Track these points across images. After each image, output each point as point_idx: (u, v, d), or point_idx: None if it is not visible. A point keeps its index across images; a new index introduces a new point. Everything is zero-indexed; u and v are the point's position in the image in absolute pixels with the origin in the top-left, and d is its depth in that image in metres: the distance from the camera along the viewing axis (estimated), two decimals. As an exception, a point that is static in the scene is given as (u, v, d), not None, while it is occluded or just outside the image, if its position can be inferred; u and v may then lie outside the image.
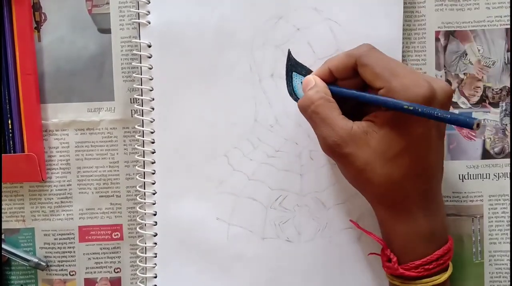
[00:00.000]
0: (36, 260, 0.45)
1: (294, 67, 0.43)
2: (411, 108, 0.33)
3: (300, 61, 0.43)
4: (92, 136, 0.46)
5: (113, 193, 0.46)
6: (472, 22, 0.44)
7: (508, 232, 0.45)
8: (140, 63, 0.44)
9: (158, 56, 0.44)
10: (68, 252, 0.46)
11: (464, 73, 0.45)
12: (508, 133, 0.45)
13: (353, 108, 0.39)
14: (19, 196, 0.46)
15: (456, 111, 0.45)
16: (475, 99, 0.45)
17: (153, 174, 0.44)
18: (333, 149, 0.37)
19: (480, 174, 0.45)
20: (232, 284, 0.45)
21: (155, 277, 0.45)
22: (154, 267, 0.45)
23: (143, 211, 0.44)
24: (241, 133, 0.44)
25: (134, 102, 0.45)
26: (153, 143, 0.44)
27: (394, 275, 0.38)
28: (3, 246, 0.46)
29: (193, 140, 0.44)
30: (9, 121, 0.44)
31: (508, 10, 0.44)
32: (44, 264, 0.46)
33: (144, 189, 0.44)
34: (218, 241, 0.44)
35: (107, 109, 0.46)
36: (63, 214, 0.46)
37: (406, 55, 0.44)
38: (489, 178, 0.45)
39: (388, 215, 0.37)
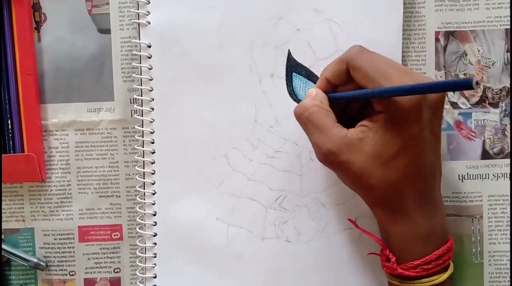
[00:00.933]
0: (36, 260, 0.45)
1: (294, 68, 0.43)
2: (408, 88, 0.32)
3: (300, 62, 0.43)
4: (92, 136, 0.46)
5: (112, 193, 0.46)
6: (472, 23, 0.44)
7: (508, 232, 0.45)
8: (140, 63, 0.44)
9: (158, 56, 0.44)
10: (68, 252, 0.46)
11: (464, 74, 0.45)
12: (507, 133, 0.45)
13: (353, 118, 0.39)
14: (19, 196, 0.46)
15: (456, 112, 0.45)
16: (475, 99, 0.45)
17: (153, 174, 0.44)
18: (328, 157, 0.36)
19: (480, 174, 0.45)
20: (231, 284, 0.45)
21: (155, 277, 0.45)
22: (153, 267, 0.45)
23: (143, 211, 0.44)
24: (241, 133, 0.44)
25: (134, 103, 0.45)
26: (152, 143, 0.44)
27: (393, 275, 0.38)
28: (3, 246, 0.46)
29: (193, 140, 0.44)
30: (9, 122, 0.44)
31: (508, 10, 0.44)
32: (43, 264, 0.46)
33: (144, 189, 0.44)
34: (217, 241, 0.44)
35: (107, 109, 0.46)
36: (63, 214, 0.46)
37: (406, 55, 0.44)
38: (488, 178, 0.45)
39: (386, 216, 0.37)
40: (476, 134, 0.45)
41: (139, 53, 0.44)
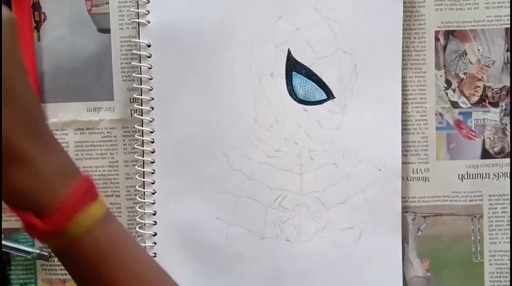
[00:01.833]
0: (38, 251, 0.45)
1: (293, 67, 0.43)
2: None
3: (300, 61, 0.43)
4: (91, 136, 0.46)
5: (112, 192, 0.46)
6: (471, 22, 0.44)
7: (508, 231, 0.45)
8: (140, 62, 0.44)
9: (157, 55, 0.44)
10: (68, 251, 0.46)
11: (464, 73, 0.44)
12: (508, 133, 0.44)
13: None
14: (18, 196, 0.46)
15: (456, 111, 0.45)
16: (475, 99, 0.45)
17: (153, 173, 0.44)
18: None
19: (480, 174, 0.45)
20: (231, 284, 0.45)
21: (155, 276, 0.45)
22: (153, 266, 0.45)
23: (143, 210, 0.44)
24: (241, 133, 0.44)
25: (133, 102, 0.45)
26: (152, 142, 0.44)
27: (49, 235, 0.29)
28: (3, 242, 0.45)
29: (193, 140, 0.44)
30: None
31: (508, 9, 0.44)
32: (46, 254, 0.45)
33: (144, 188, 0.44)
34: (217, 240, 0.44)
35: (107, 109, 0.46)
36: (63, 214, 0.46)
37: (406, 54, 0.44)
38: (488, 178, 0.45)
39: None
40: (476, 134, 0.45)
41: (138, 52, 0.44)
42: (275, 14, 0.43)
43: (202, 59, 0.44)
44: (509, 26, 0.44)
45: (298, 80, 0.43)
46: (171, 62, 0.44)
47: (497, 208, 0.45)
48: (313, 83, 0.43)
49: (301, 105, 0.44)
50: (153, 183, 0.44)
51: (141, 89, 0.44)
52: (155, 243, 0.44)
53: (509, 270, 0.45)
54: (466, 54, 0.44)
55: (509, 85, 0.44)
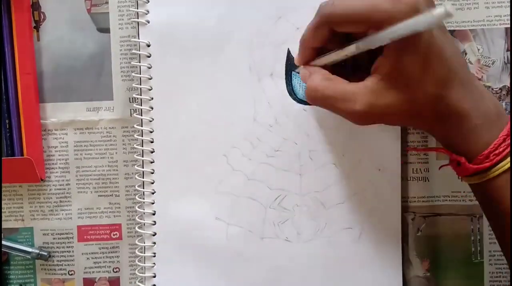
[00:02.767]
0: (37, 251, 0.45)
1: (293, 67, 0.43)
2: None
3: (299, 61, 0.43)
4: (91, 135, 0.46)
5: (112, 192, 0.46)
6: (471, 22, 0.44)
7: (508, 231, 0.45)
8: (139, 62, 0.44)
9: (157, 55, 0.43)
10: (67, 251, 0.46)
11: (463, 73, 0.44)
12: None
13: (354, 68, 0.38)
14: (18, 196, 0.46)
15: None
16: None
17: (152, 173, 0.44)
18: (365, 116, 0.35)
19: (480, 174, 0.45)
20: (231, 284, 0.45)
21: (154, 276, 0.45)
22: (153, 266, 0.45)
23: (142, 210, 0.44)
24: (240, 133, 0.44)
25: (133, 102, 0.45)
26: (152, 142, 0.44)
27: (470, 175, 0.37)
28: (3, 242, 0.45)
29: (192, 139, 0.44)
30: (7, 121, 0.44)
31: (508, 9, 0.43)
32: (46, 254, 0.45)
33: (143, 188, 0.44)
34: (217, 240, 0.44)
35: (106, 108, 0.46)
36: (62, 214, 0.46)
37: (406, 54, 0.44)
38: (488, 178, 0.45)
39: (439, 126, 0.36)
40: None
41: (138, 52, 0.44)
42: (275, 14, 0.43)
43: (201, 59, 0.44)
44: (509, 25, 0.44)
45: (298, 80, 0.43)
46: (170, 62, 0.44)
47: (497, 208, 0.45)
48: (312, 83, 0.43)
49: (300, 105, 0.44)
50: (152, 183, 0.44)
51: (140, 89, 0.44)
52: (154, 243, 0.44)
53: (509, 270, 0.45)
54: (466, 54, 0.44)
55: (509, 85, 0.44)
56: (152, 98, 0.44)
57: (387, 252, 0.44)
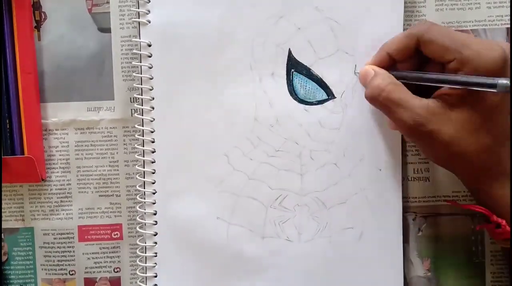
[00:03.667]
0: None
1: (294, 67, 0.43)
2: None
3: (300, 61, 0.43)
4: (92, 135, 0.46)
5: (112, 192, 0.46)
6: (473, 22, 0.44)
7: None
8: (140, 62, 0.44)
9: (158, 55, 0.43)
10: (68, 251, 0.46)
11: (464, 73, 0.44)
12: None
13: (414, 88, 0.39)
14: (18, 195, 0.46)
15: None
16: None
17: (153, 173, 0.44)
18: (416, 129, 0.36)
19: (481, 174, 0.45)
20: (231, 283, 0.45)
21: (155, 276, 0.45)
22: (154, 266, 0.45)
23: (143, 210, 0.44)
24: (241, 132, 0.44)
25: (134, 102, 0.45)
26: (153, 142, 0.44)
27: (507, 239, 0.37)
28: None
29: (193, 139, 0.44)
30: (7, 121, 0.44)
31: (509, 9, 0.44)
32: None
33: (144, 188, 0.44)
34: (218, 240, 0.44)
35: (107, 108, 0.46)
36: (63, 214, 0.46)
37: (407, 54, 0.44)
38: (489, 178, 0.45)
39: (484, 182, 0.37)
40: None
41: (139, 52, 0.44)
42: (276, 14, 0.43)
43: (202, 59, 0.44)
44: (510, 25, 0.44)
45: (299, 80, 0.43)
46: (171, 62, 0.44)
47: (497, 208, 0.45)
48: (313, 83, 0.43)
49: (301, 105, 0.44)
50: (153, 183, 0.44)
51: (141, 88, 0.44)
52: (155, 243, 0.44)
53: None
54: (467, 54, 0.44)
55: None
56: (153, 98, 0.44)
57: (388, 252, 0.44)
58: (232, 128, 0.44)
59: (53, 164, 0.46)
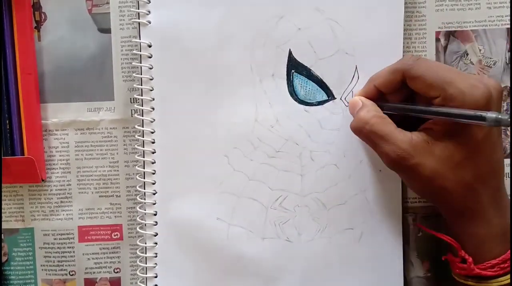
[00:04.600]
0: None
1: (295, 67, 0.43)
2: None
3: (301, 61, 0.43)
4: (92, 136, 0.46)
5: (113, 193, 0.46)
6: (473, 22, 0.44)
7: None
8: (140, 63, 0.44)
9: (158, 56, 0.43)
10: (68, 252, 0.46)
11: (464, 73, 0.44)
12: (508, 133, 0.44)
13: (402, 119, 0.39)
14: (18, 196, 0.46)
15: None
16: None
17: (153, 174, 0.44)
18: (398, 163, 0.36)
19: (481, 174, 0.45)
20: (232, 284, 0.45)
21: (156, 276, 0.45)
22: (154, 266, 0.45)
23: (143, 211, 0.44)
24: (242, 133, 0.44)
25: (134, 102, 0.45)
26: (153, 142, 0.44)
27: (469, 276, 0.38)
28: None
29: (194, 140, 0.44)
30: (7, 122, 0.44)
31: (509, 9, 0.44)
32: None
33: (144, 189, 0.44)
34: (218, 241, 0.44)
35: (107, 109, 0.46)
36: (63, 214, 0.46)
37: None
38: (489, 178, 0.45)
39: (461, 219, 0.37)
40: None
41: (139, 52, 0.44)
42: (277, 14, 0.43)
43: (203, 60, 0.43)
44: (510, 26, 0.44)
45: (299, 80, 0.43)
46: (171, 63, 0.44)
47: (497, 209, 0.45)
48: (314, 84, 0.43)
49: (302, 106, 0.44)
50: (153, 184, 0.44)
51: (141, 89, 0.44)
52: (156, 244, 0.44)
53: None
54: (467, 54, 0.44)
55: (509, 86, 0.44)
56: (153, 99, 0.44)
57: (388, 252, 0.44)
58: (232, 129, 0.44)
59: (53, 164, 0.46)
